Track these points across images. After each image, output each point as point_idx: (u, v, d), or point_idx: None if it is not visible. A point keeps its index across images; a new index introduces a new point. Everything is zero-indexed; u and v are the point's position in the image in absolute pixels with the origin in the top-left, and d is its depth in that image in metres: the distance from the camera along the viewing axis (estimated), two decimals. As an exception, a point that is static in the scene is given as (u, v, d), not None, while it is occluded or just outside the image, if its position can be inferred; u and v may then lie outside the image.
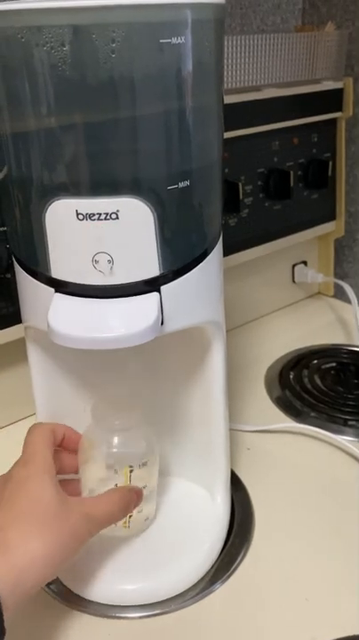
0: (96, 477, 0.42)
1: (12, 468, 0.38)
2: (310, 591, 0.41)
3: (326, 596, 0.41)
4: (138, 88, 0.30)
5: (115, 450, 0.42)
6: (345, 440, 0.55)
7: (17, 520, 0.34)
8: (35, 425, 0.41)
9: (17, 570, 0.32)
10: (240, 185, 0.65)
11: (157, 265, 0.34)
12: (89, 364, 0.45)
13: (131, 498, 0.41)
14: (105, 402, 0.42)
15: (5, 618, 0.30)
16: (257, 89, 0.65)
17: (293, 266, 0.82)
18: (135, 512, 0.43)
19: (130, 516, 0.43)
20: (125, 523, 0.43)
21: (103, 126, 0.30)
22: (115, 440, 0.42)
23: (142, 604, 0.41)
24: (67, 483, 0.42)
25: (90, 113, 0.30)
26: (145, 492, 0.43)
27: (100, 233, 0.32)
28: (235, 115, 0.62)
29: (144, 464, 0.42)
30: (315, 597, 0.41)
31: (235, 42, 0.62)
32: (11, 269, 0.52)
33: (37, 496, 0.35)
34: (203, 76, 0.32)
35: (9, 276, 0.52)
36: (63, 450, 0.42)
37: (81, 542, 0.36)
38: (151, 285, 0.34)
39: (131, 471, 0.42)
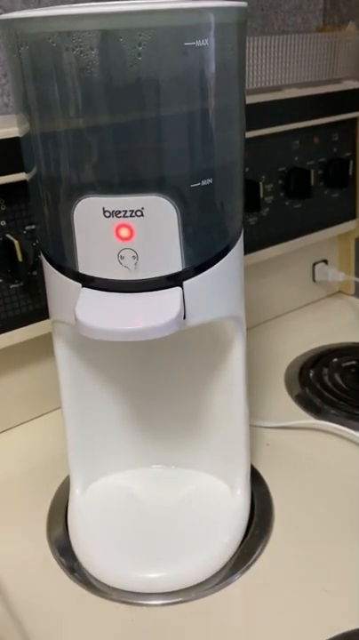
0: None
1: None
2: (329, 583, 0.42)
3: (345, 587, 0.42)
4: (163, 89, 0.31)
5: None
6: (365, 437, 0.55)
7: None
8: None
9: None
10: (261, 184, 0.65)
11: (180, 260, 0.35)
12: (114, 359, 0.46)
13: None
14: None
15: None
16: (278, 89, 0.66)
17: (314, 264, 0.82)
18: None
19: None
20: None
21: (130, 127, 0.31)
22: None
23: (164, 591, 0.42)
24: None
25: (117, 114, 0.31)
26: None
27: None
28: (257, 114, 0.63)
29: None
30: (333, 589, 0.41)
31: (256, 43, 0.63)
32: (36, 267, 0.53)
33: None
34: (225, 77, 0.33)
35: (35, 273, 0.53)
36: None
37: None
38: (174, 280, 0.35)
39: None
